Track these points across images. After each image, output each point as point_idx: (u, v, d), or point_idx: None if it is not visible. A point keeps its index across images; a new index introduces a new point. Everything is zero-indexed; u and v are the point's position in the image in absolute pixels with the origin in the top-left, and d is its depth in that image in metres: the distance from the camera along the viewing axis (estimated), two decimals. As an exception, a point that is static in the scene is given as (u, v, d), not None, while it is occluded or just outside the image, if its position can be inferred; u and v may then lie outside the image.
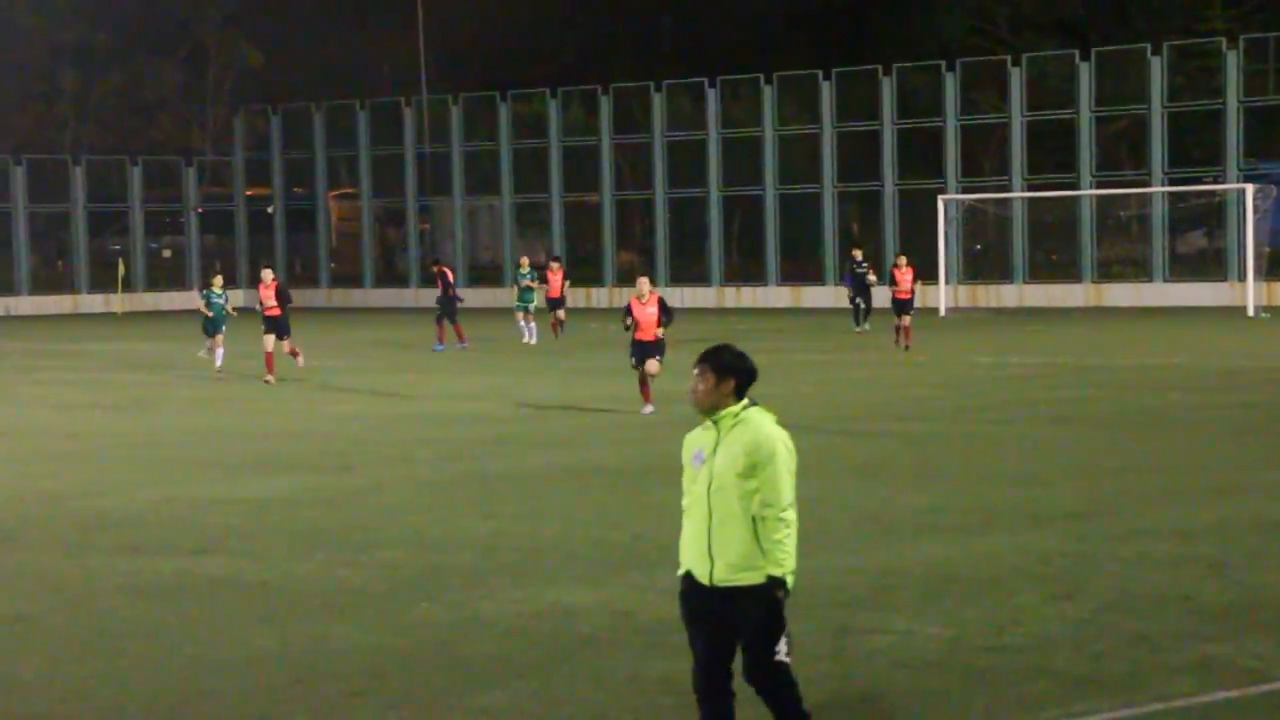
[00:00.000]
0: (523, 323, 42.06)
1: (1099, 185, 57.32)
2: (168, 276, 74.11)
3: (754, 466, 8.14)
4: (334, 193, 74.60)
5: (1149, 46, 57.36)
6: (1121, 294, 56.73)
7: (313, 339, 39.12)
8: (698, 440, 8.49)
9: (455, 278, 45.65)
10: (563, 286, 44.21)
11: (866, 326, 43.15)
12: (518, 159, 68.25)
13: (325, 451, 21.48)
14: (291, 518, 16.37)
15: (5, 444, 23.02)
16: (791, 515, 8.20)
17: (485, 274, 69.71)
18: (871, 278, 43.76)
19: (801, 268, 63.00)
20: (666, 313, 24.71)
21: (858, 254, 45.42)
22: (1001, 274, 59.44)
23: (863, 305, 43.96)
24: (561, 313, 43.34)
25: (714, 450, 8.31)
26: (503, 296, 66.58)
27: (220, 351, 35.73)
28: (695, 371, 8.35)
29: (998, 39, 69.04)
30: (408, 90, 75.19)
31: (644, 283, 25.32)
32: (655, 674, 10.38)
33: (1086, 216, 57.78)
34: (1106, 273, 58.49)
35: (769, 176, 62.63)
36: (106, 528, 15.92)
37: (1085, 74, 57.65)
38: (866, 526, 15.32)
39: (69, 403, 28.86)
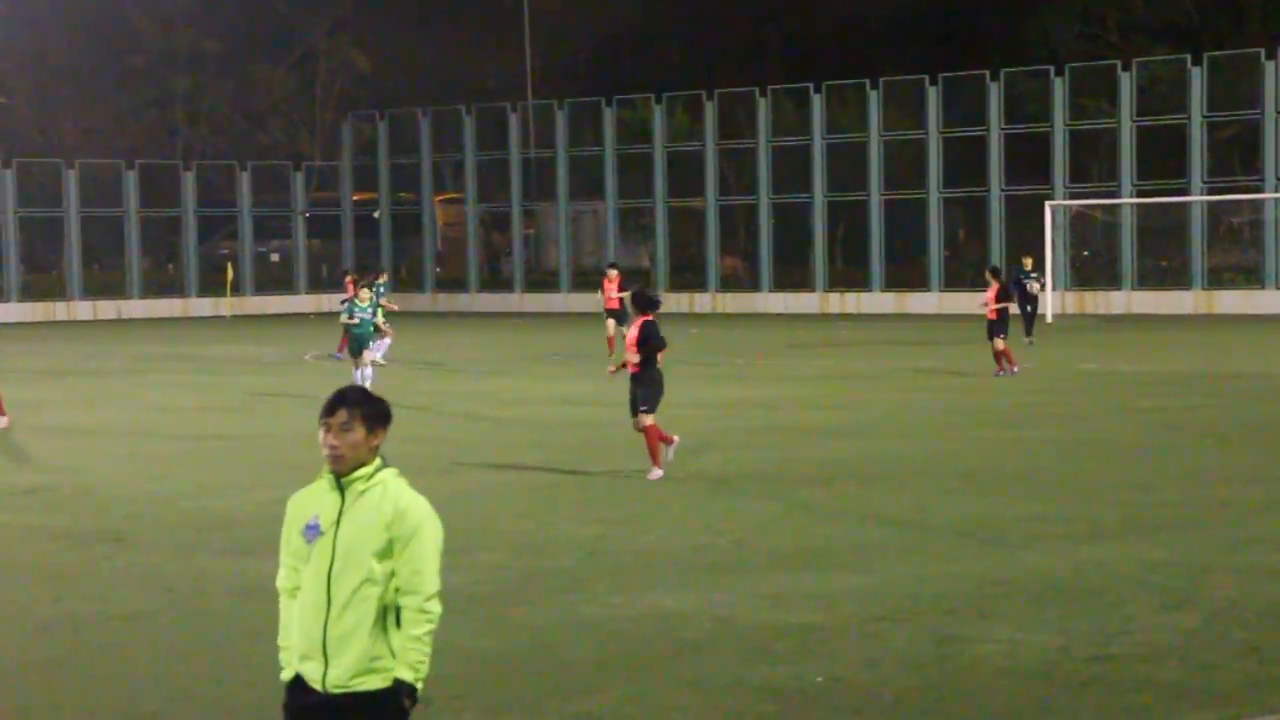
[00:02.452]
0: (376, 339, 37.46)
1: (1210, 191, 56.63)
2: (275, 280, 74.81)
3: (393, 543, 6.56)
4: (439, 197, 75.01)
5: (1263, 51, 56.59)
6: (1232, 301, 56.01)
7: (418, 343, 39.37)
8: (311, 505, 6.79)
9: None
10: (622, 297, 38.87)
11: (1031, 339, 40.63)
12: (622, 164, 68.33)
13: (430, 454, 21.59)
14: (396, 520, 16.45)
15: (117, 445, 23.32)
16: (437, 608, 6.63)
17: (590, 278, 69.82)
18: (1035, 287, 42.15)
19: (906, 274, 62.67)
20: (646, 345, 19.06)
21: (1028, 262, 43.64)
22: (1109, 280, 58.86)
23: (1031, 313, 41.56)
24: (612, 325, 37.59)
25: (337, 520, 6.64)
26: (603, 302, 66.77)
27: (368, 373, 34.03)
28: (338, 420, 6.82)
29: (1108, 43, 68.40)
30: (513, 95, 75.51)
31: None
32: (757, 680, 10.37)
33: (1197, 223, 57.09)
34: (1217, 279, 57.76)
35: (874, 182, 62.35)
36: (216, 529, 16.09)
37: (1197, 79, 56.99)
38: (971, 534, 15.23)
39: (179, 405, 29.20)
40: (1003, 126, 60.15)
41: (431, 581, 6.58)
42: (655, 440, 18.86)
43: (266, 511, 17.05)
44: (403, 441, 23.03)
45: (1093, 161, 60.89)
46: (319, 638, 6.50)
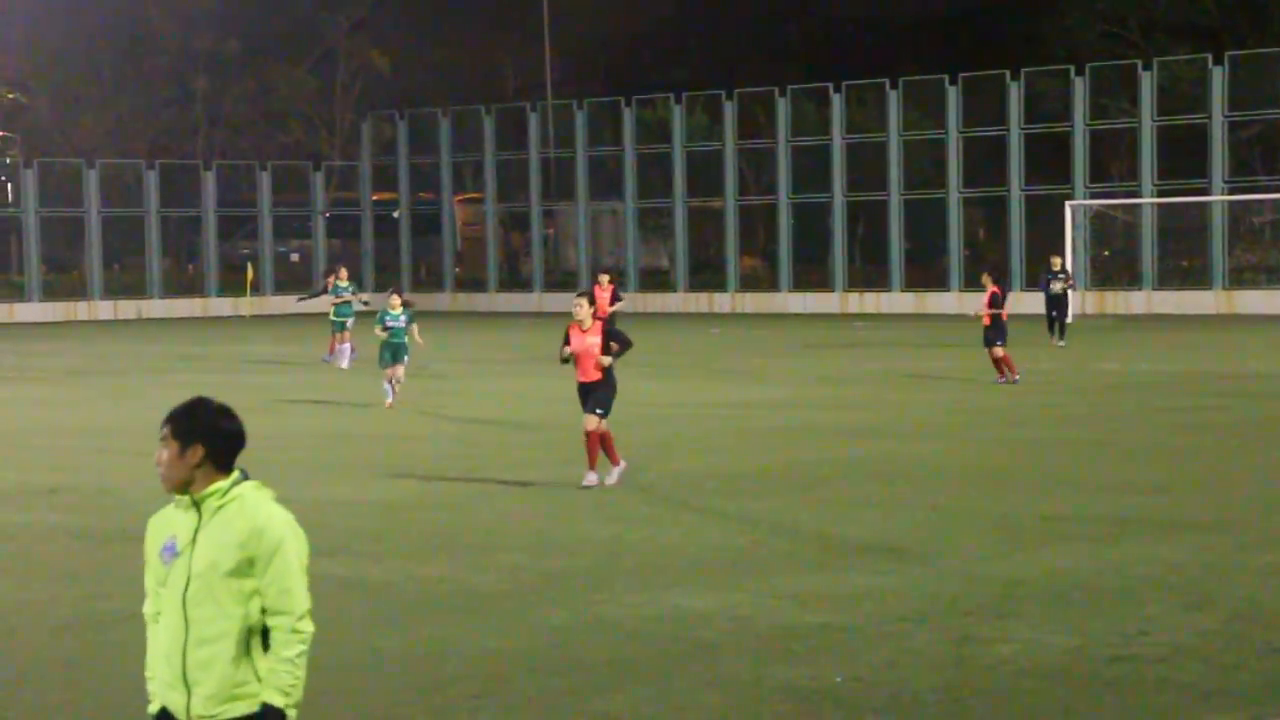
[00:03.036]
0: (338, 345, 36.46)
1: (1231, 191, 56.50)
2: (295, 280, 74.92)
3: (252, 561, 6.12)
4: (459, 197, 75.11)
5: (1284, 50, 56.50)
6: (1254, 301, 55.88)
7: (437, 342, 39.42)
8: (169, 525, 6.47)
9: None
10: (610, 307, 36.81)
11: (1062, 342, 39.83)
12: (641, 164, 68.36)
13: (450, 454, 21.61)
14: (416, 520, 16.49)
15: (137, 445, 23.36)
16: (309, 627, 6.24)
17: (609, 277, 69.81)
18: (1055, 287, 40.56)
19: (926, 274, 62.62)
20: (615, 341, 18.36)
21: (1055, 262, 41.67)
22: (1130, 280, 58.76)
23: (1056, 316, 40.53)
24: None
25: (193, 540, 6.27)
26: (625, 302, 66.78)
27: (346, 348, 35.78)
28: (160, 436, 6.49)
29: (1128, 43, 68.27)
30: (533, 95, 75.61)
31: (581, 305, 18.25)
32: (776, 680, 10.36)
33: (1218, 222, 56.96)
34: (1238, 279, 57.63)
35: (894, 182, 62.31)
36: (234, 528, 16.11)
37: (1218, 78, 56.86)
38: (991, 534, 15.20)
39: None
40: (1023, 126, 60.07)
41: (301, 599, 6.18)
42: (598, 445, 18.15)
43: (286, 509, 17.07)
44: (421, 441, 23.08)
45: (1113, 161, 60.82)
46: (179, 665, 6.07)
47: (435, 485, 18.90)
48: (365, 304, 39.00)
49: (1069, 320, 40.93)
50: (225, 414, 6.36)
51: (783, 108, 64.70)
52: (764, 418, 25.50)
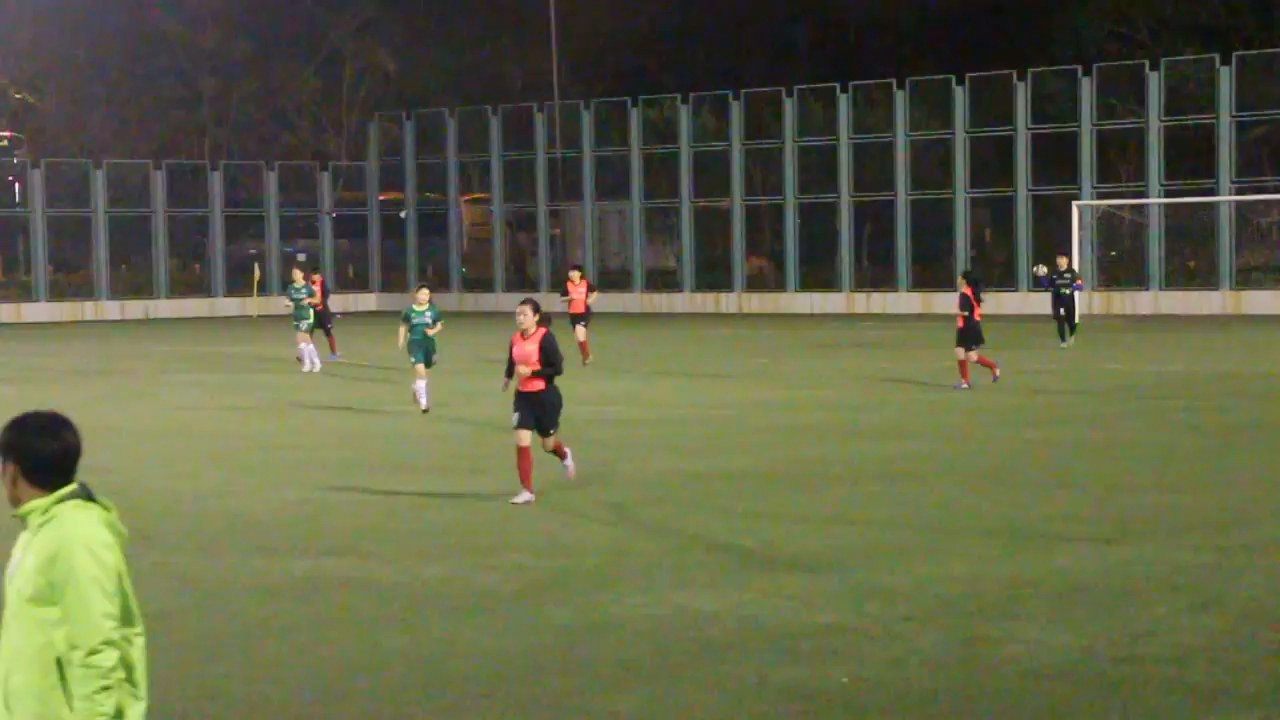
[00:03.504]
0: (302, 345, 36.04)
1: (1239, 191, 56.43)
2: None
3: (51, 588, 5.71)
4: (466, 197, 75.11)
5: (1291, 50, 56.46)
6: (1261, 301, 55.81)
7: (444, 341, 39.38)
8: (18, 543, 5.98)
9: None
10: (587, 300, 38.13)
11: (1066, 343, 38.99)
12: (648, 164, 68.35)
13: (457, 454, 21.63)
14: (422, 520, 16.50)
15: (144, 445, 23.39)
16: (105, 661, 5.72)
17: (616, 278, 69.88)
18: (1064, 290, 39.42)
19: (933, 274, 62.57)
20: (547, 358, 17.24)
21: (1062, 261, 40.64)
22: (1137, 281, 58.71)
23: (1065, 317, 39.61)
24: (581, 331, 36.35)
25: (21, 559, 5.88)
26: (631, 302, 66.78)
27: (307, 350, 35.44)
28: None
29: (1136, 43, 68.19)
30: (539, 96, 75.54)
31: (524, 312, 17.58)
32: (781, 681, 10.36)
33: (1225, 223, 56.90)
34: (1245, 279, 57.57)
35: (900, 182, 62.27)
36: (241, 528, 16.13)
37: (1226, 78, 56.80)
38: (996, 534, 15.20)
39: (206, 404, 29.28)
40: (1030, 126, 60.02)
41: (93, 631, 5.67)
42: (530, 463, 17.28)
43: (292, 511, 17.13)
44: (428, 441, 23.08)
45: (1120, 161, 60.76)
46: (2, 689, 5.77)
47: (442, 484, 18.91)
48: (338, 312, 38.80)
49: (1077, 320, 40.32)
50: (44, 431, 5.89)
51: (789, 108, 64.67)
52: (770, 417, 25.49)
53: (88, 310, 67.02)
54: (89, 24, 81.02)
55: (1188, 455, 20.78)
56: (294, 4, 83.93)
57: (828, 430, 23.78)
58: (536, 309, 17.54)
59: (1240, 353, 38.52)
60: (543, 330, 17.33)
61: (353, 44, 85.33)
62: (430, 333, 26.64)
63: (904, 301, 61.69)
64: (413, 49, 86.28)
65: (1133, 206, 58.75)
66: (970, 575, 13.35)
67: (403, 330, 26.90)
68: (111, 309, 67.19)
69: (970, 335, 29.12)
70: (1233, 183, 56.46)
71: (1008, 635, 11.36)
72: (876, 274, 64.24)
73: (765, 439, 22.86)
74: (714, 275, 67.10)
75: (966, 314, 29.08)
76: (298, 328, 36.11)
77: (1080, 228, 54.74)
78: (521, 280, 72.76)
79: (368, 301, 73.76)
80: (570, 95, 75.42)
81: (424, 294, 27.35)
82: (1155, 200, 57.44)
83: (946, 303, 59.98)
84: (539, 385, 17.29)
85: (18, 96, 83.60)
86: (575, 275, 38.11)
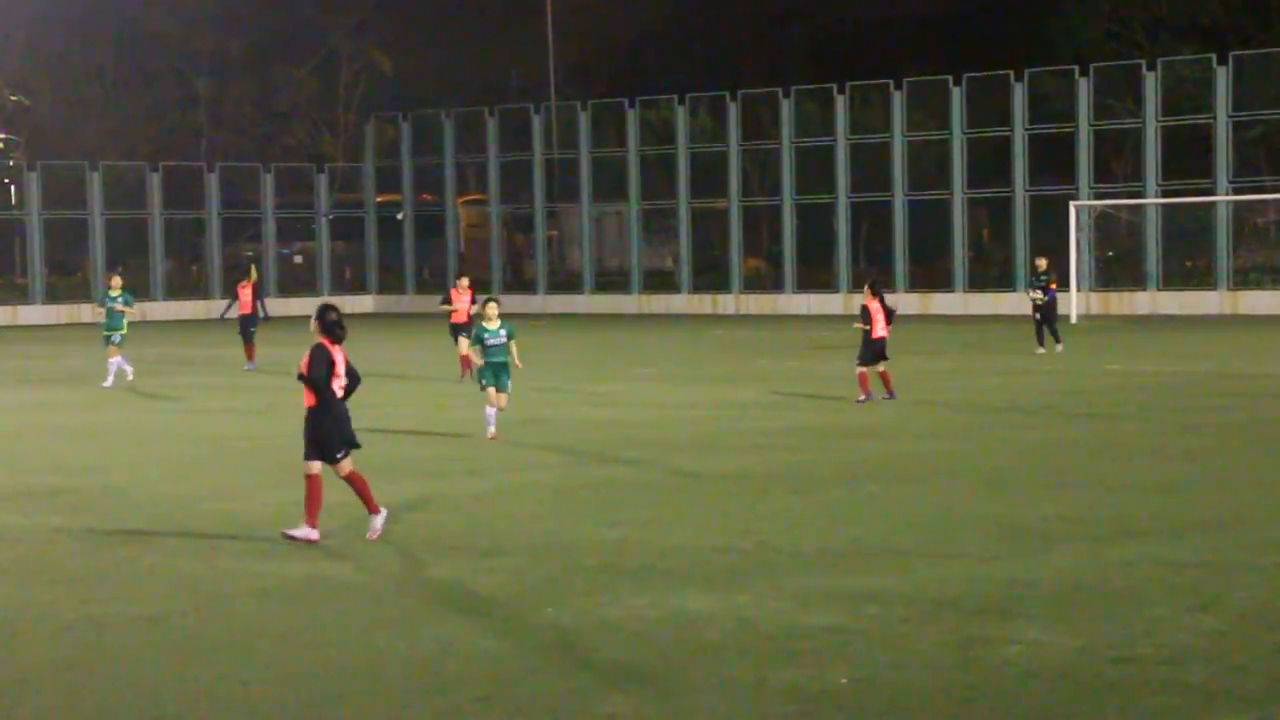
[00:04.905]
0: (108, 361, 33.35)
1: (1236, 191, 56.46)
2: (298, 282, 74.95)
3: None
4: (463, 198, 75.14)
5: (1289, 50, 56.48)
6: (1258, 301, 55.85)
7: (442, 344, 39.41)
8: None
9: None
10: (255, 304, 37.93)
11: (1042, 350, 37.89)
12: (645, 165, 68.38)
13: (453, 456, 21.61)
14: (419, 522, 16.48)
15: (141, 447, 23.38)
16: None
17: (613, 279, 69.88)
18: (1037, 295, 38.01)
19: (930, 275, 62.60)
20: (313, 370, 15.30)
21: (1041, 263, 39.02)
22: (1134, 281, 58.73)
23: (1041, 322, 38.37)
24: (465, 343, 32.39)
25: None
26: (627, 304, 66.77)
27: (115, 362, 32.78)
28: None
29: (1133, 43, 68.22)
30: (536, 97, 75.57)
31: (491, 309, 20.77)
32: (780, 682, 10.34)
33: (1223, 222, 56.93)
34: (1243, 280, 57.60)
35: (898, 183, 62.32)
36: (238, 531, 16.11)
37: (1223, 78, 56.83)
38: (995, 535, 15.19)
39: (202, 407, 29.26)
40: (1027, 127, 60.08)
41: None
42: (318, 492, 15.34)
43: (288, 514, 17.08)
44: (424, 443, 23.06)
45: (1117, 161, 60.81)
46: None
47: (438, 487, 18.89)
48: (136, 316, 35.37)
49: (1056, 324, 38.73)
50: None
51: (786, 109, 64.71)
52: (767, 419, 25.48)
53: (84, 313, 66.95)
54: (84, 25, 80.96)
55: (1185, 455, 20.77)
56: (290, 5, 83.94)
57: (825, 431, 23.77)
58: (320, 315, 15.45)
59: (1238, 353, 38.52)
60: (325, 339, 15.30)
61: (349, 45, 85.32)
62: (513, 352, 23.43)
63: (902, 302, 61.61)
64: (409, 50, 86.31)
65: (1130, 206, 58.76)
66: (968, 576, 13.34)
67: (473, 352, 23.95)
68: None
69: (866, 349, 27.34)
70: (1230, 183, 56.51)
71: (1006, 636, 11.35)
72: (874, 274, 64.22)
73: (762, 440, 22.84)
74: (711, 276, 67.15)
75: (866, 328, 27.21)
76: (108, 339, 33.33)
77: (1078, 228, 54.76)
78: (519, 282, 72.77)
79: (364, 304, 73.78)
80: (567, 96, 75.46)
81: (493, 309, 23.65)
82: (1153, 200, 57.47)
83: (944, 303, 60.18)
84: (310, 402, 15.30)
85: (13, 99, 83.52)
86: (463, 283, 34.30)
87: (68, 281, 71.84)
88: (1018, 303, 57.61)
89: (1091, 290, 57.15)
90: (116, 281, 34.52)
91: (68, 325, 64.06)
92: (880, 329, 27.21)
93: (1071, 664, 10.66)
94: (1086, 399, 28.16)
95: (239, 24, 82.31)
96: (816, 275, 64.93)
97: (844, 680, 10.33)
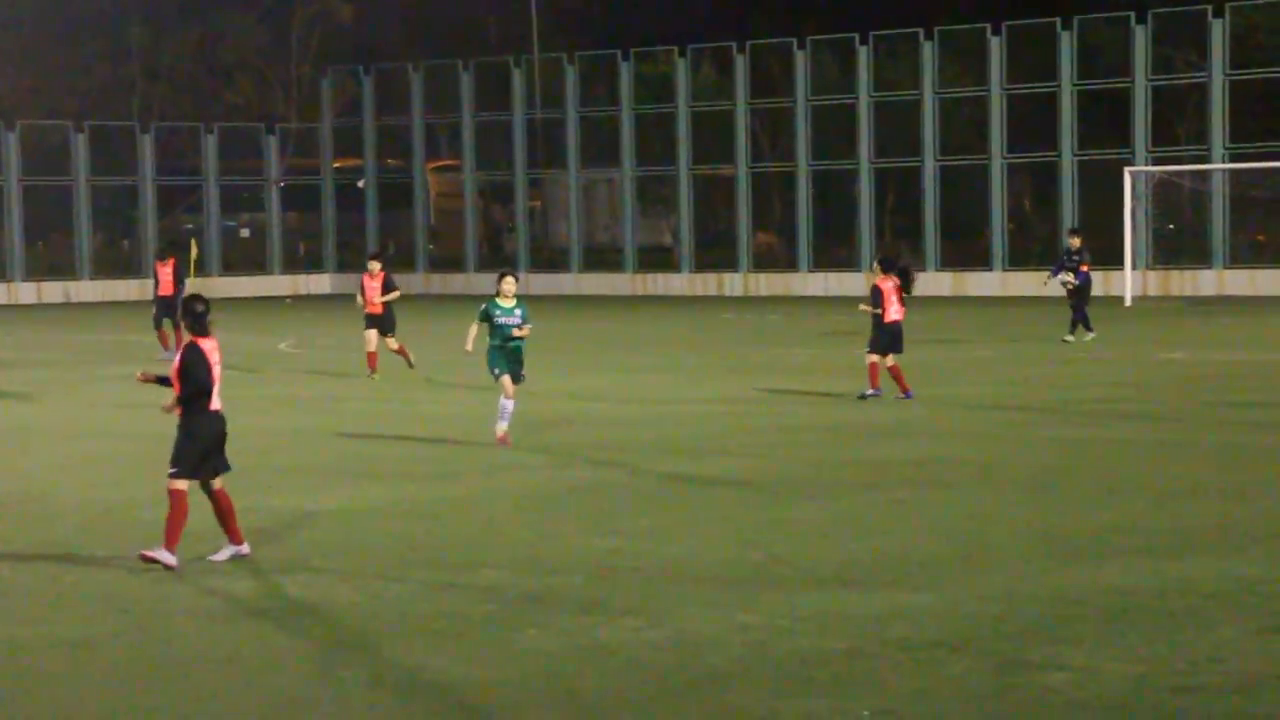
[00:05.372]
0: None
1: (1314, 154, 56.50)
2: (246, 258, 74.97)
3: None
4: (433, 164, 75.15)
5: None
6: (1340, 281, 55.93)
7: (409, 328, 39.44)
8: None
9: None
10: (176, 286, 37.64)
11: (1071, 338, 37.57)
12: (641, 126, 68.39)
13: (424, 457, 21.63)
14: (385, 532, 16.51)
15: (67, 447, 23.38)
16: None
17: (604, 256, 69.90)
18: (1068, 279, 37.74)
19: (965, 251, 62.63)
20: (186, 375, 15.19)
21: (1074, 241, 38.49)
22: (1198, 258, 58.75)
23: (1076, 305, 37.88)
24: (392, 341, 32.29)
25: None
26: (621, 284, 66.80)
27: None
28: None
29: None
30: (517, 49, 75.53)
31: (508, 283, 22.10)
32: (794, 713, 10.39)
33: (1301, 191, 57.00)
34: (1323, 256, 57.69)
35: (928, 146, 62.33)
36: (181, 542, 16.11)
37: (1297, 26, 56.87)
38: (1040, 547, 15.23)
39: (134, 401, 29.22)
40: (1075, 82, 60.08)
41: None
42: (182, 513, 14.96)
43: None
44: (392, 442, 23.09)
45: (1179, 121, 60.77)
46: None
47: (408, 491, 18.92)
48: None
49: (1087, 309, 37.90)
50: None
51: (801, 62, 64.71)
52: (778, 415, 25.51)
53: (1, 294, 67.00)
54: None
55: (1254, 457, 20.80)
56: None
57: (844, 429, 23.80)
58: (187, 308, 15.25)
59: (1316, 340, 38.58)
60: (193, 338, 15.17)
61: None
62: (518, 334, 22.17)
63: (933, 282, 61.67)
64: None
65: (1194, 173, 58.76)
66: (1008, 593, 13.38)
67: (474, 330, 22.45)
68: (27, 291, 67.17)
69: (878, 335, 26.90)
70: (1308, 145, 56.49)
71: (1051, 661, 11.40)
72: (901, 250, 64.29)
73: (773, 439, 22.88)
74: (716, 253, 67.17)
75: (878, 312, 26.77)
76: None
77: (1133, 197, 54.77)
78: (496, 259, 72.81)
79: (321, 283, 73.80)
80: (552, 48, 75.42)
81: (510, 284, 22.38)
82: (1220, 166, 57.47)
83: (980, 283, 60.19)
84: (181, 412, 15.20)
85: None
86: (374, 266, 33.07)
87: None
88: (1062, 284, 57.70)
89: (1149, 268, 57.16)
90: None
91: (-18, 308, 64.01)
92: (894, 312, 26.92)
93: (1127, 693, 10.71)
94: (1142, 393, 28.20)
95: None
96: (835, 251, 64.97)
97: (866, 713, 10.37)
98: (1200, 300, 55.01)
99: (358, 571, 14.70)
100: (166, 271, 38.58)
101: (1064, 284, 38.16)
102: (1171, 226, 61.50)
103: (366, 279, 32.76)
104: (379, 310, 32.28)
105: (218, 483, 15.19)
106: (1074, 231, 40.40)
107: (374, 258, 33.92)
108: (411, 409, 27.30)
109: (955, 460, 20.70)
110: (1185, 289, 57.54)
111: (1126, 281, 53.03)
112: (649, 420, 25.16)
